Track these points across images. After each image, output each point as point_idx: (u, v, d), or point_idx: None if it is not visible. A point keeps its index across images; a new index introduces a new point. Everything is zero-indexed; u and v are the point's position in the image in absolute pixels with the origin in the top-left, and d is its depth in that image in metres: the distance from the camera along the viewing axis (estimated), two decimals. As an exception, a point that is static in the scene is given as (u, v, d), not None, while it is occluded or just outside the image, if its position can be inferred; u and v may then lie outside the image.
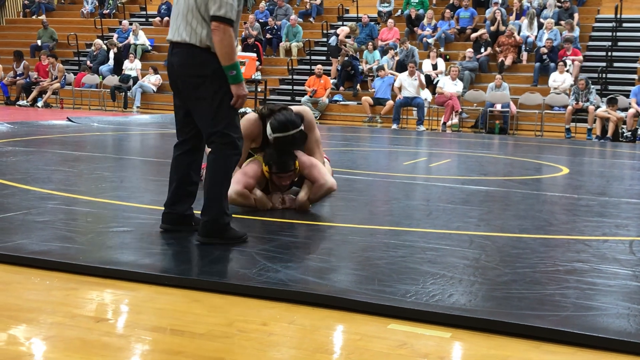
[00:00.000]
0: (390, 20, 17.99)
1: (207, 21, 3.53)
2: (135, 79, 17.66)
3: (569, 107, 13.92)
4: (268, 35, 18.76)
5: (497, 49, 16.46)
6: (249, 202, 4.62)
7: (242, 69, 15.64)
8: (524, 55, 16.49)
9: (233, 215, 4.36)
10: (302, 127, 4.63)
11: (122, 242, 3.64)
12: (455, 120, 14.75)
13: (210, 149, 3.67)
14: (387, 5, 19.04)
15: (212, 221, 3.59)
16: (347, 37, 17.25)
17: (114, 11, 22.02)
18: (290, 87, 17.01)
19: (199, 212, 3.73)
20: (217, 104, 3.57)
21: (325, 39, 18.46)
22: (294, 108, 4.77)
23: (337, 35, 17.07)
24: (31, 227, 3.86)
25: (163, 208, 3.85)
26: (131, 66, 18.00)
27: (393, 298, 2.82)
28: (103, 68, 18.33)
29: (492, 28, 16.80)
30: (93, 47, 19.09)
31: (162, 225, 3.84)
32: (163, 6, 21.03)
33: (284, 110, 4.67)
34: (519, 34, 16.78)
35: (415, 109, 14.94)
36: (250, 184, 4.60)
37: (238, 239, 3.67)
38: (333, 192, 4.80)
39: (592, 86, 14.08)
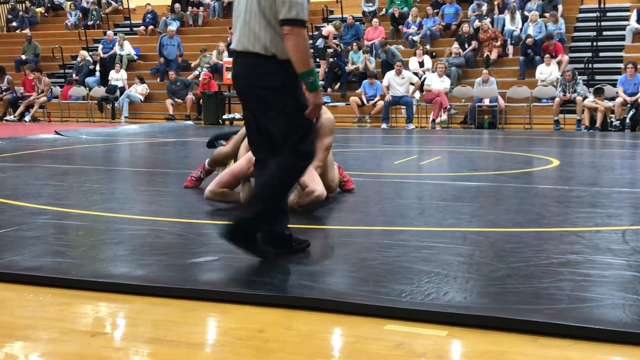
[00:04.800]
0: (375, 20, 18.01)
1: (272, 26, 3.19)
2: (122, 89, 17.62)
3: (557, 99, 13.97)
4: (254, 40, 18.73)
5: (479, 43, 16.51)
6: (230, 198, 4.81)
7: (229, 75, 15.63)
8: (510, 49, 16.54)
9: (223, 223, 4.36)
10: None
11: (115, 254, 3.62)
12: (444, 117, 14.79)
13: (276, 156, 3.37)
14: (372, 5, 19.07)
15: (249, 226, 3.35)
16: (335, 37, 17.23)
17: (98, 22, 21.97)
18: (278, 90, 16.96)
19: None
20: (287, 116, 3.27)
21: (310, 41, 18.45)
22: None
23: (325, 38, 17.06)
24: (22, 243, 3.84)
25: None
26: (117, 76, 17.96)
27: (388, 298, 2.81)
28: (89, 80, 18.29)
29: (476, 24, 16.87)
30: (78, 59, 19.04)
31: (268, 250, 3.46)
32: (148, 15, 21.01)
33: None
34: (503, 28, 16.84)
35: (404, 107, 14.97)
36: (230, 182, 4.80)
37: (302, 243, 3.57)
38: (320, 201, 4.75)
39: (579, 77, 14.15)
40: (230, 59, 17.52)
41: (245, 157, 4.79)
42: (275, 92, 3.26)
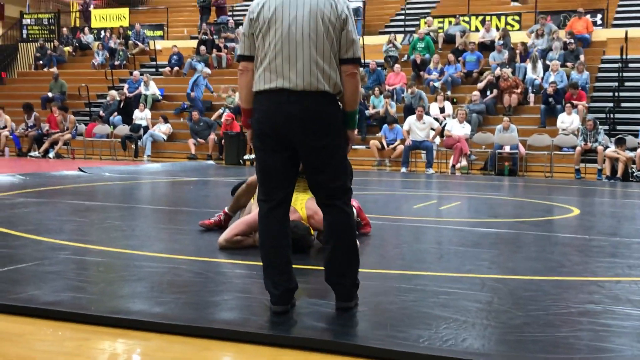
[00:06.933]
0: (397, 65, 18.18)
1: (336, 64, 3.21)
2: (146, 128, 17.86)
3: (578, 148, 13.94)
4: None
5: (500, 92, 16.59)
6: (244, 244, 4.84)
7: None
8: (531, 97, 16.60)
9: (245, 262, 4.37)
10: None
11: (134, 291, 3.65)
12: (464, 162, 14.79)
13: (330, 206, 3.30)
14: (394, 50, 19.27)
15: (354, 283, 3.33)
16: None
17: (125, 62, 22.37)
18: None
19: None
20: (342, 154, 3.30)
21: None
22: None
23: None
24: (43, 277, 3.88)
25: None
26: (141, 115, 18.23)
27: (405, 343, 2.80)
28: (114, 118, 18.56)
29: (497, 72, 16.98)
30: (108, 98, 19.37)
31: (283, 307, 3.23)
32: (174, 56, 21.37)
33: None
34: (524, 76, 16.93)
35: (424, 152, 15.00)
36: (244, 231, 4.85)
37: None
38: None
39: (600, 126, 14.13)
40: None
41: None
42: (338, 131, 3.26)
